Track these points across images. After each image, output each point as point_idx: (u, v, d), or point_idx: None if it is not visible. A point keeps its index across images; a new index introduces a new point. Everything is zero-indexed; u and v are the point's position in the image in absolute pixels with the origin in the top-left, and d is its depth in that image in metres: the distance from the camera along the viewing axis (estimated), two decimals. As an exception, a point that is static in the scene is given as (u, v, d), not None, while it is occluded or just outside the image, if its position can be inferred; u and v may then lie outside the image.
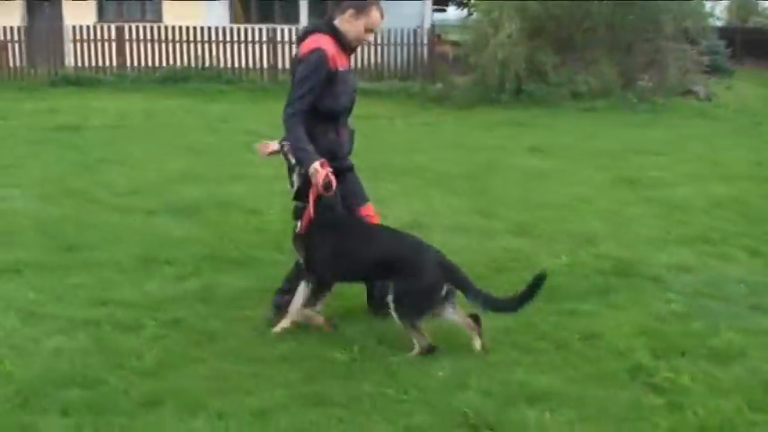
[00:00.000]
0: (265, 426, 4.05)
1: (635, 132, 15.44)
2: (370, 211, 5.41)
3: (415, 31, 23.22)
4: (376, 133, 14.35)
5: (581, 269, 6.70)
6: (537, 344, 5.10)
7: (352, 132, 5.31)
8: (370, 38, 5.05)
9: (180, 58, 22.35)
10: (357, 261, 5.00)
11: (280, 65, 22.29)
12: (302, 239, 5.05)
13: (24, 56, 23.08)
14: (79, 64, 22.60)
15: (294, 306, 5.14)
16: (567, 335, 5.24)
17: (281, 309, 5.28)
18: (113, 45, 22.62)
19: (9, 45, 22.93)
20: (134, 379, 4.53)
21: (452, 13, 33.32)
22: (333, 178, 4.76)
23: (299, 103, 4.80)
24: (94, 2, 26.92)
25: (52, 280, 6.17)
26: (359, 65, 22.10)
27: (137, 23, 24.21)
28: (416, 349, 4.80)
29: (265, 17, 26.40)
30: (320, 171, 4.70)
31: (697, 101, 20.30)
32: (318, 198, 4.83)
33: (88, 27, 22.96)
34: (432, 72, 22.32)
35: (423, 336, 4.79)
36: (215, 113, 17.02)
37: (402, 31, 22.87)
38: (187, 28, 22.59)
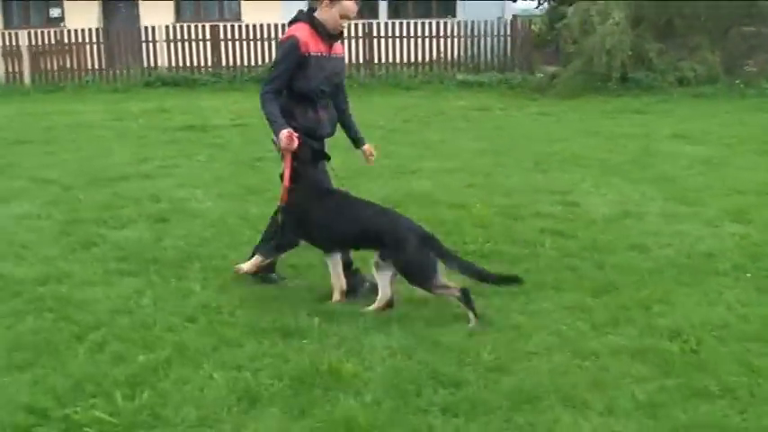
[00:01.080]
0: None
1: (761, 117, 15.09)
2: None
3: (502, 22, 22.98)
4: (502, 124, 14.29)
5: None
6: None
7: (334, 115, 5.73)
8: (345, 23, 5.43)
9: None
10: (336, 231, 5.48)
11: (376, 59, 22.10)
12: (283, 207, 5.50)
13: (104, 57, 22.99)
14: (173, 63, 22.46)
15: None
16: None
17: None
18: (208, 45, 22.34)
19: (87, 46, 22.83)
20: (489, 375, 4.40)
21: (520, 4, 32.58)
22: (296, 137, 5.23)
23: (270, 84, 5.39)
24: (172, 2, 26.90)
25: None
26: (451, 57, 21.95)
27: (215, 23, 24.09)
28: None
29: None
30: (285, 133, 5.17)
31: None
32: (293, 164, 5.33)
33: (182, 27, 22.84)
34: (529, 62, 22.01)
35: (447, 287, 5.27)
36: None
37: (486, 23, 22.60)
38: (283, 25, 22.26)
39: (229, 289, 5.82)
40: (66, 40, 22.71)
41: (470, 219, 7.76)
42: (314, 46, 5.39)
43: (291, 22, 5.55)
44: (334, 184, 5.84)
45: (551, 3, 34.28)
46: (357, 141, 6.05)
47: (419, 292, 5.42)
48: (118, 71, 22.38)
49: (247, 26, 22.65)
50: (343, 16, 5.41)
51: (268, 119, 5.35)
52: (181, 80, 21.35)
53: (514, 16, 25.00)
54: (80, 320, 5.23)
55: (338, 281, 5.60)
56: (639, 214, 7.98)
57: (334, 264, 5.59)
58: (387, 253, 5.33)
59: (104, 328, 5.08)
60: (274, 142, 5.41)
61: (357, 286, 5.76)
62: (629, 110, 16.28)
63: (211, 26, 22.97)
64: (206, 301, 5.57)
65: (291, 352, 4.74)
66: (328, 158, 5.73)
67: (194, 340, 4.89)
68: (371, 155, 6.07)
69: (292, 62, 5.34)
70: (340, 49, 5.69)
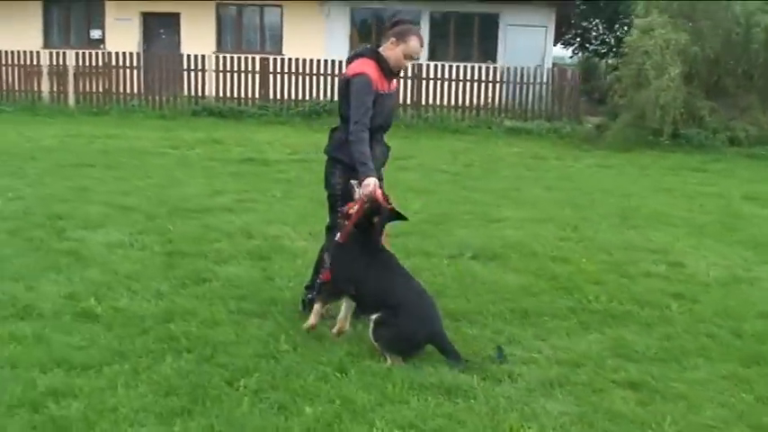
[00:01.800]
0: None
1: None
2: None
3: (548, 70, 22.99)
4: (565, 174, 14.27)
5: None
6: None
7: (388, 148, 5.78)
8: (409, 64, 5.50)
9: (324, 91, 21.97)
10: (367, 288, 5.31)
11: (423, 101, 22.05)
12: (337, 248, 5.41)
13: (142, 82, 23.04)
14: (220, 94, 22.39)
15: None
16: None
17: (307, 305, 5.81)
18: (257, 76, 22.27)
19: (128, 70, 22.80)
20: None
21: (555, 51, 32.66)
22: (380, 197, 5.26)
23: (362, 124, 5.27)
24: (213, 32, 26.91)
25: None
26: (498, 103, 21.90)
27: (255, 55, 24.04)
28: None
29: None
30: (374, 184, 5.20)
31: None
32: (362, 214, 5.23)
33: (232, 58, 22.78)
34: (576, 112, 21.95)
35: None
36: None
37: (536, 70, 22.66)
38: (332, 62, 22.27)
39: (361, 335, 5.59)
40: (110, 62, 22.46)
41: (581, 274, 7.56)
42: (381, 84, 5.39)
43: (355, 56, 5.51)
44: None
45: (587, 53, 34.53)
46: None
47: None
48: (164, 98, 22.19)
49: (296, 60, 22.50)
50: (408, 56, 5.43)
51: (359, 159, 5.28)
52: (227, 111, 21.20)
53: (557, 65, 24.94)
54: (226, 364, 5.02)
55: (345, 321, 5.57)
56: (750, 279, 7.79)
57: (349, 306, 5.52)
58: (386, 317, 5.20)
59: (256, 375, 4.84)
60: (336, 184, 5.56)
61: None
62: (688, 167, 16.13)
63: (261, 58, 22.81)
64: (348, 349, 5.33)
65: (462, 413, 4.52)
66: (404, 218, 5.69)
67: (354, 394, 4.65)
68: None
69: (372, 97, 5.32)
70: (395, 85, 5.70)
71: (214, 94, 22.30)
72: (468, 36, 26.67)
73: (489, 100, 22.14)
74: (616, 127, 19.31)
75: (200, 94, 22.35)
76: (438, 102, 22.09)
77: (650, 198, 12.24)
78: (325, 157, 5.73)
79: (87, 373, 4.83)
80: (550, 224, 9.88)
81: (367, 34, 26.34)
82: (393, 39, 5.40)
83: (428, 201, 10.76)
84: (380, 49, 5.46)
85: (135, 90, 22.82)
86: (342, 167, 5.51)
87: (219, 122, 20.49)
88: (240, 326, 5.77)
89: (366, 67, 5.35)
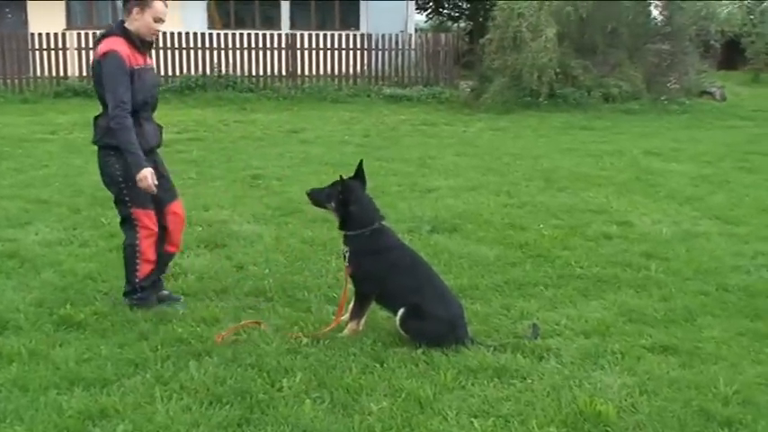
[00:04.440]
0: None
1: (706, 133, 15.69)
2: (180, 208, 5.77)
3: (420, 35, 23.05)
4: (466, 139, 14.56)
5: None
6: None
7: (159, 128, 5.63)
8: (160, 27, 5.28)
9: (194, 66, 21.18)
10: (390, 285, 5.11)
11: (299, 71, 21.68)
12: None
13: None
14: (79, 73, 21.15)
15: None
16: None
17: None
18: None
19: None
20: None
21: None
22: (154, 189, 5.21)
23: (121, 107, 5.08)
24: (63, 8, 25.39)
25: None
26: (376, 71, 21.78)
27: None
28: None
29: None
30: (149, 178, 5.12)
31: (715, 101, 20.77)
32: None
33: (94, 34, 21.47)
34: (452, 76, 22.07)
35: None
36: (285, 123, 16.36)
37: (412, 37, 22.72)
38: (195, 34, 21.48)
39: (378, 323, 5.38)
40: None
41: (546, 240, 7.58)
42: (134, 59, 5.19)
43: (102, 37, 5.25)
44: None
45: (441, 18, 34.86)
46: None
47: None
48: (23, 80, 20.79)
49: (162, 34, 21.47)
50: (157, 20, 5.23)
51: (127, 149, 5.12)
52: (92, 91, 19.96)
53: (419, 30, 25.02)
54: (255, 365, 4.68)
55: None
56: (701, 234, 8.00)
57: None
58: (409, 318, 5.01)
59: (299, 374, 4.52)
60: (116, 171, 5.34)
61: None
62: (575, 126, 16.58)
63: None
64: (373, 337, 5.09)
65: (525, 395, 4.40)
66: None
67: (409, 384, 4.46)
68: None
69: (127, 76, 5.11)
70: (151, 61, 5.52)
71: (77, 74, 20.94)
72: (329, 4, 26.27)
73: (365, 67, 21.92)
74: (493, 90, 19.48)
75: (61, 74, 20.89)
76: (314, 71, 21.62)
77: (559, 159, 12.43)
78: (96, 148, 5.42)
79: (111, 389, 4.39)
80: (483, 191, 9.88)
81: (224, 3, 25.65)
82: (136, 8, 5.17)
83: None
84: (126, 24, 5.23)
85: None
86: (116, 153, 5.24)
87: (87, 103, 19.28)
88: (239, 321, 5.43)
89: (114, 44, 5.13)
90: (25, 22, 25.01)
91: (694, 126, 16.83)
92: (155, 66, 5.55)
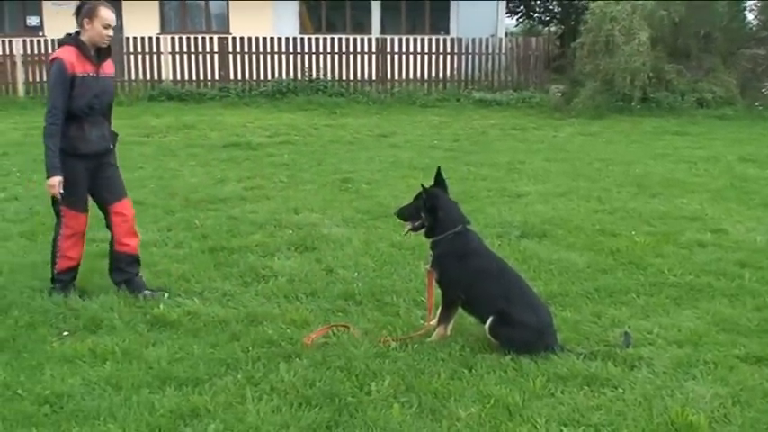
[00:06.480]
0: None
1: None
2: (126, 208, 6.01)
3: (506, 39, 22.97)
4: (556, 144, 14.38)
5: None
6: None
7: (113, 134, 5.94)
8: (110, 32, 5.57)
9: (286, 71, 21.49)
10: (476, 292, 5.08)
11: (389, 75, 21.80)
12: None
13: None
14: (173, 77, 21.66)
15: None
16: None
17: None
18: (215, 57, 21.62)
19: None
20: None
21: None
22: (58, 196, 5.56)
23: (53, 115, 5.46)
24: (157, 12, 26.00)
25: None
26: (465, 75, 21.74)
27: (203, 35, 23.27)
28: None
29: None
30: (55, 187, 5.51)
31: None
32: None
33: (188, 39, 22.05)
34: (543, 80, 21.90)
35: None
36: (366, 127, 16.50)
37: (501, 41, 22.61)
38: (287, 39, 21.80)
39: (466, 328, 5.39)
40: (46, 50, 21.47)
41: (638, 248, 7.45)
42: (80, 66, 5.49)
43: (58, 46, 5.63)
44: None
45: (531, 22, 34.58)
46: None
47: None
48: (119, 84, 21.35)
49: (255, 39, 21.90)
50: (106, 26, 5.54)
51: (45, 153, 5.50)
52: (186, 95, 20.54)
53: (509, 34, 24.86)
54: (343, 367, 4.72)
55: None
56: None
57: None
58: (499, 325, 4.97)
59: (387, 378, 4.55)
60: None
61: None
62: (669, 132, 16.21)
63: (219, 38, 22.16)
64: (462, 342, 5.10)
65: (616, 404, 4.35)
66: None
67: (498, 391, 4.44)
68: None
69: (66, 85, 5.44)
70: (110, 68, 5.82)
71: (171, 77, 21.45)
72: (420, 9, 26.35)
73: (455, 71, 21.92)
74: (585, 94, 19.24)
75: (155, 78, 21.44)
76: (404, 76, 21.71)
77: (652, 165, 12.21)
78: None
79: (202, 389, 4.48)
80: (574, 196, 9.76)
81: (316, 8, 25.95)
82: (86, 19, 5.53)
83: (458, 184, 10.45)
84: (81, 36, 5.57)
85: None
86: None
87: (181, 107, 19.82)
88: (325, 322, 5.51)
89: (61, 52, 5.49)
90: (120, 27, 25.66)
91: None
92: (113, 74, 5.99)
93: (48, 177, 5.53)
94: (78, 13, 5.59)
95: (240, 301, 5.96)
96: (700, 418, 4.07)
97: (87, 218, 5.95)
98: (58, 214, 5.82)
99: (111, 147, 5.94)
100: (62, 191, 5.56)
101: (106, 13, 5.57)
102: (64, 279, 5.91)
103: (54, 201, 5.75)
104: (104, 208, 5.99)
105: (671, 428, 4.03)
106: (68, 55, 5.49)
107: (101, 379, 4.60)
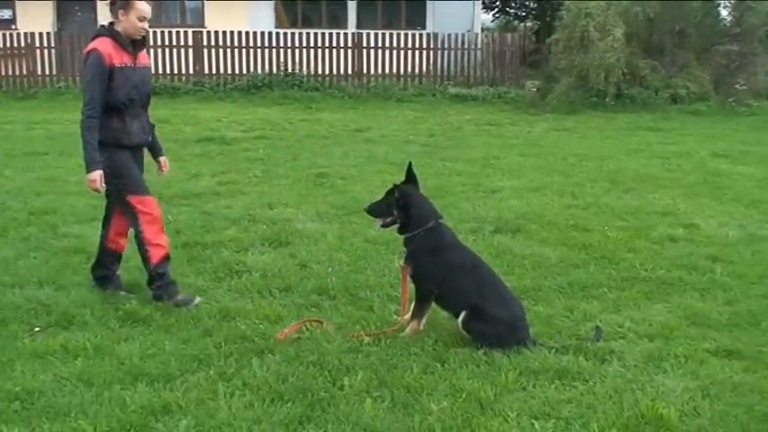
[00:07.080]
0: None
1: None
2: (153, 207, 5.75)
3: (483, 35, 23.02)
4: (531, 139, 14.48)
5: None
6: None
7: (151, 126, 5.86)
8: (146, 25, 5.43)
9: (261, 65, 21.42)
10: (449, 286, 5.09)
11: (365, 70, 21.79)
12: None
13: (54, 62, 21.86)
14: (152, 71, 21.45)
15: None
16: None
17: None
18: (190, 51, 21.51)
19: (38, 51, 21.74)
20: None
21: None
22: (100, 191, 5.43)
23: (89, 108, 5.31)
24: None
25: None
26: (441, 71, 21.76)
27: (177, 29, 23.08)
28: None
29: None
30: (97, 182, 5.33)
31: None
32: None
33: (162, 32, 21.90)
34: (518, 76, 21.97)
35: None
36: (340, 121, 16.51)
37: (478, 37, 22.66)
38: (262, 33, 21.74)
39: (440, 322, 5.39)
40: (32, 44, 21.36)
41: (610, 242, 7.50)
42: (117, 57, 5.37)
43: (93, 37, 5.49)
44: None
45: (508, 17, 34.67)
46: (155, 151, 6.06)
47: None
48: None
49: (231, 33, 21.81)
50: (141, 18, 5.41)
51: (84, 148, 5.33)
52: (161, 88, 20.40)
53: (485, 30, 24.93)
54: (316, 363, 4.72)
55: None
56: (767, 238, 7.81)
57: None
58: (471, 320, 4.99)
59: (361, 372, 4.58)
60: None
61: None
62: (642, 127, 16.34)
63: (194, 32, 22.02)
64: (435, 337, 5.12)
65: (587, 397, 4.37)
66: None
67: (470, 385, 4.45)
68: (165, 167, 6.14)
69: (104, 77, 5.31)
70: (146, 59, 5.71)
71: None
72: (396, 3, 26.34)
73: (431, 67, 21.96)
74: (559, 90, 19.33)
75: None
76: (380, 71, 21.72)
77: (625, 160, 12.31)
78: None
79: (174, 385, 4.45)
80: (548, 192, 9.82)
81: (292, 3, 25.88)
82: (121, 10, 5.38)
83: (435, 180, 10.49)
84: (116, 26, 5.44)
85: (44, 72, 21.61)
86: (101, 147, 5.42)
87: (155, 101, 19.49)
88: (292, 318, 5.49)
89: (97, 43, 5.36)
90: (95, 20, 25.48)
91: (762, 128, 16.46)
92: (149, 64, 5.84)
93: (88, 172, 5.35)
94: (113, 3, 5.44)
95: (213, 296, 5.94)
96: (670, 411, 4.11)
97: (156, 199, 5.81)
98: (129, 208, 5.67)
99: (150, 139, 5.86)
100: (104, 185, 5.41)
101: (142, 5, 5.42)
102: (164, 271, 5.72)
103: (111, 197, 5.69)
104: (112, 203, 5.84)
105: (641, 422, 4.06)
106: (105, 46, 5.35)
107: (72, 375, 4.56)
